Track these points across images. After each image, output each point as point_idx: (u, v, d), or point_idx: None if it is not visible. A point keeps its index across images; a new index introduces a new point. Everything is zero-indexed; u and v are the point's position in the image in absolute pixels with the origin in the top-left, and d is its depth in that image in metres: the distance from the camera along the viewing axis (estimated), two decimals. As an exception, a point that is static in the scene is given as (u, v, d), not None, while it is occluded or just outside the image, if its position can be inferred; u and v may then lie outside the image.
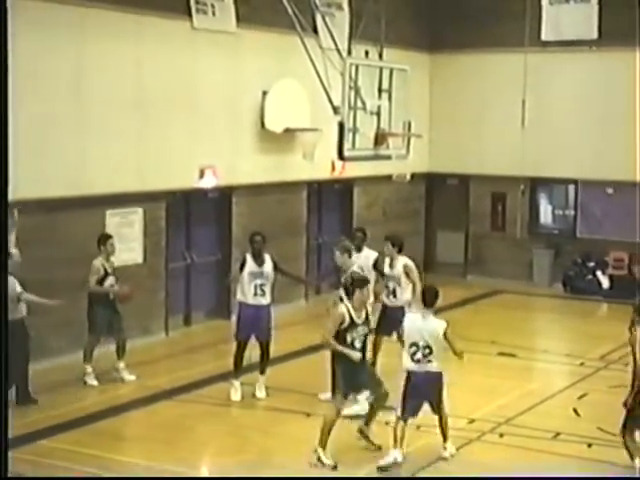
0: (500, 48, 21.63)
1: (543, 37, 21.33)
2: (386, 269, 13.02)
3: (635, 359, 9.96)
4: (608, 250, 20.85)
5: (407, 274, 12.84)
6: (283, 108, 17.25)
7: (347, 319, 10.10)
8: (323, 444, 10.01)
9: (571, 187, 21.85)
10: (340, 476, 8.57)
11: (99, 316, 13.03)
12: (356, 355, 10.11)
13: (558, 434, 11.23)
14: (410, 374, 10.23)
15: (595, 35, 20.69)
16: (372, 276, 12.41)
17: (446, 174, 22.78)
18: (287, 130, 17.42)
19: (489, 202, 22.50)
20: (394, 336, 12.60)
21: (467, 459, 10.49)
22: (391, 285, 12.96)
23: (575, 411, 12.15)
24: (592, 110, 20.96)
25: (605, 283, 20.67)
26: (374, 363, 12.42)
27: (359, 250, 12.89)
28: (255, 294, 12.40)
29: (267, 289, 12.49)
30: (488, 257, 22.43)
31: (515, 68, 21.22)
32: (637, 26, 18.51)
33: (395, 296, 12.90)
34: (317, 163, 17.85)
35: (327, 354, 11.44)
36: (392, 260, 12.98)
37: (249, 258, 12.45)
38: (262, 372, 12.58)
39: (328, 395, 11.99)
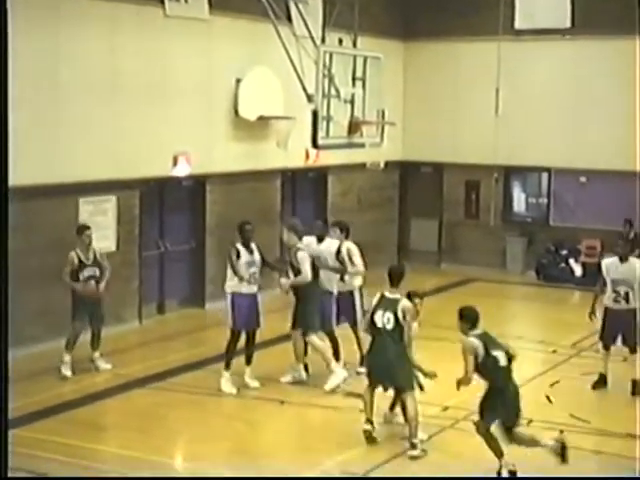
0: (474, 37, 21.68)
1: (517, 25, 21.41)
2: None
3: None
4: (581, 238, 20.99)
5: (350, 258, 12.89)
6: (257, 96, 17.21)
7: None
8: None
9: (544, 175, 21.97)
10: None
11: (81, 305, 13.00)
12: None
13: (531, 421, 11.26)
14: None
15: (568, 23, 20.79)
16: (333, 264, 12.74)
17: (420, 162, 22.82)
18: (261, 118, 17.39)
19: (463, 190, 22.57)
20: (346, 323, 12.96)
21: (441, 447, 10.55)
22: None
23: (548, 398, 12.22)
24: (565, 98, 21.07)
25: (578, 271, 20.81)
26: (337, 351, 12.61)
27: (320, 240, 12.98)
28: (249, 283, 12.34)
29: (258, 277, 12.49)
30: (462, 245, 22.51)
31: (489, 57, 21.28)
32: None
33: (343, 281, 13.03)
34: (291, 151, 17.83)
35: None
36: (340, 246, 13.08)
37: (241, 248, 12.39)
38: (249, 361, 12.56)
39: (289, 377, 12.40)
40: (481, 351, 9.44)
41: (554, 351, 14.63)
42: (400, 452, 10.24)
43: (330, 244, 12.95)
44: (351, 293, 12.98)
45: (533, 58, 21.33)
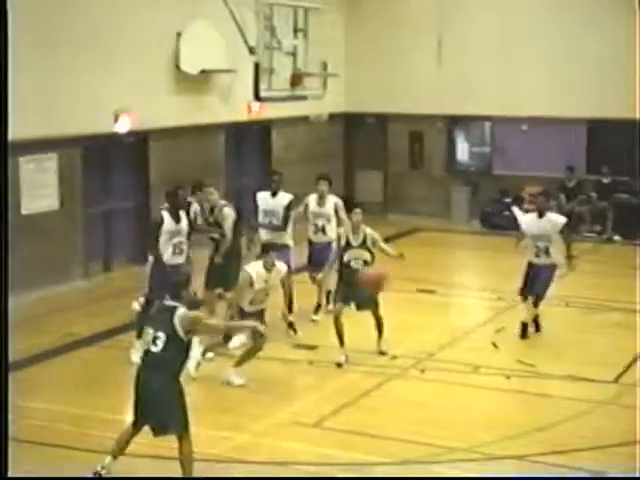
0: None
1: (457, -26, 21.41)
2: (314, 207, 13.42)
3: None
4: (524, 186, 21.18)
5: (337, 212, 13.23)
6: (198, 49, 17.01)
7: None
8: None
9: (487, 124, 22.09)
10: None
11: None
12: None
13: (478, 367, 11.47)
14: None
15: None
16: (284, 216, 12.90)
17: (364, 114, 22.80)
18: (203, 72, 17.21)
19: (407, 141, 22.62)
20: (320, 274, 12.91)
21: (389, 394, 10.69)
22: (320, 223, 13.31)
23: (494, 344, 12.40)
24: (503, 46, 21.12)
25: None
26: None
27: (274, 194, 13.00)
28: (174, 253, 11.66)
29: (185, 248, 11.83)
30: (407, 195, 22.60)
31: (431, 5, 21.29)
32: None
33: (325, 233, 13.25)
34: (234, 105, 17.71)
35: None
36: (321, 198, 13.20)
37: (166, 215, 11.67)
38: None
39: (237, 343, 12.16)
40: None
41: (499, 298, 14.82)
42: (353, 400, 10.36)
43: (283, 198, 12.97)
44: (329, 244, 13.02)
45: (476, 6, 21.37)
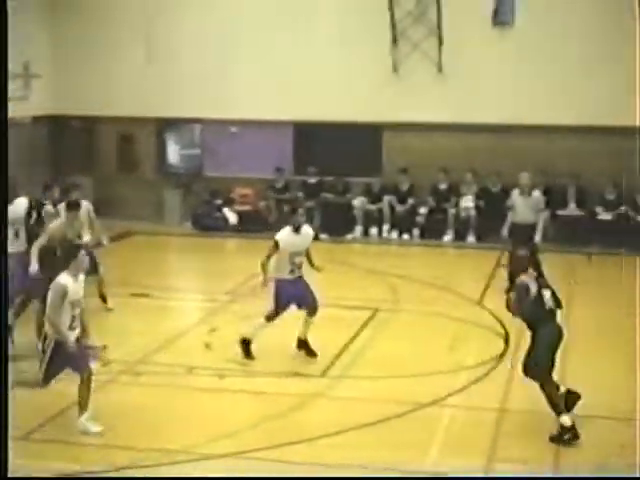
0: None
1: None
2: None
3: None
4: (234, 187, 21.51)
5: (90, 217, 13.68)
6: None
7: None
8: None
9: (197, 126, 22.23)
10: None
11: None
12: None
13: (192, 368, 11.52)
14: None
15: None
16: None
17: (71, 116, 22.25)
18: None
19: (116, 144, 22.34)
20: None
21: (104, 401, 10.44)
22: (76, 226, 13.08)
23: (207, 345, 12.50)
24: (216, 48, 21.30)
25: (232, 219, 21.32)
26: None
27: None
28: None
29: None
30: (118, 199, 22.26)
31: (139, 5, 21.18)
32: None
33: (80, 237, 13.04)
34: None
35: None
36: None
37: None
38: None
39: None
40: None
41: (212, 299, 14.94)
42: (64, 409, 10.09)
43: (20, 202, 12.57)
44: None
45: (181, 6, 21.46)
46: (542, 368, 9.49)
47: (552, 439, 9.41)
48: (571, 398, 9.70)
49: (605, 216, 19.34)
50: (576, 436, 9.37)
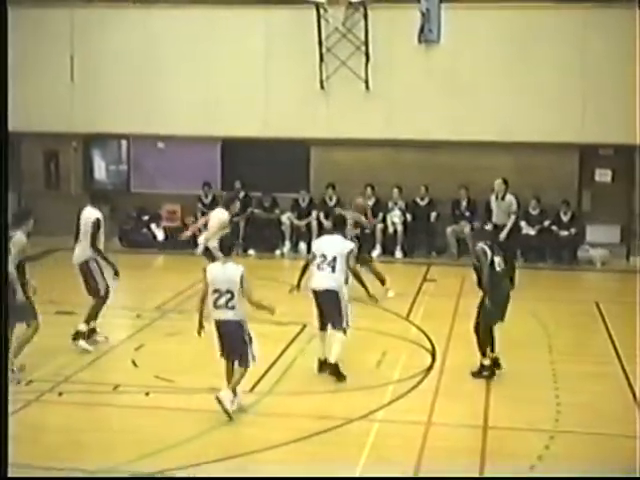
0: (47, 2, 21.26)
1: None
2: None
3: None
4: (162, 203, 21.38)
5: None
6: None
7: None
8: None
9: (124, 142, 22.08)
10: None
11: None
12: None
13: (117, 386, 11.40)
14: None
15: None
16: None
17: (-7, 132, 21.92)
18: None
19: (41, 160, 22.10)
20: None
21: (26, 421, 10.26)
22: None
23: (133, 362, 12.37)
24: (143, 64, 21.22)
25: (160, 235, 21.20)
26: None
27: None
28: None
29: None
30: (44, 216, 21.79)
31: (62, 23, 21.03)
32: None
33: None
34: None
35: None
36: None
37: None
38: None
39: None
40: None
41: (138, 315, 14.82)
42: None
43: None
44: None
45: (106, 22, 21.30)
46: (492, 320, 11.54)
47: (473, 374, 11.62)
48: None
49: (529, 231, 19.67)
50: (493, 373, 11.55)
